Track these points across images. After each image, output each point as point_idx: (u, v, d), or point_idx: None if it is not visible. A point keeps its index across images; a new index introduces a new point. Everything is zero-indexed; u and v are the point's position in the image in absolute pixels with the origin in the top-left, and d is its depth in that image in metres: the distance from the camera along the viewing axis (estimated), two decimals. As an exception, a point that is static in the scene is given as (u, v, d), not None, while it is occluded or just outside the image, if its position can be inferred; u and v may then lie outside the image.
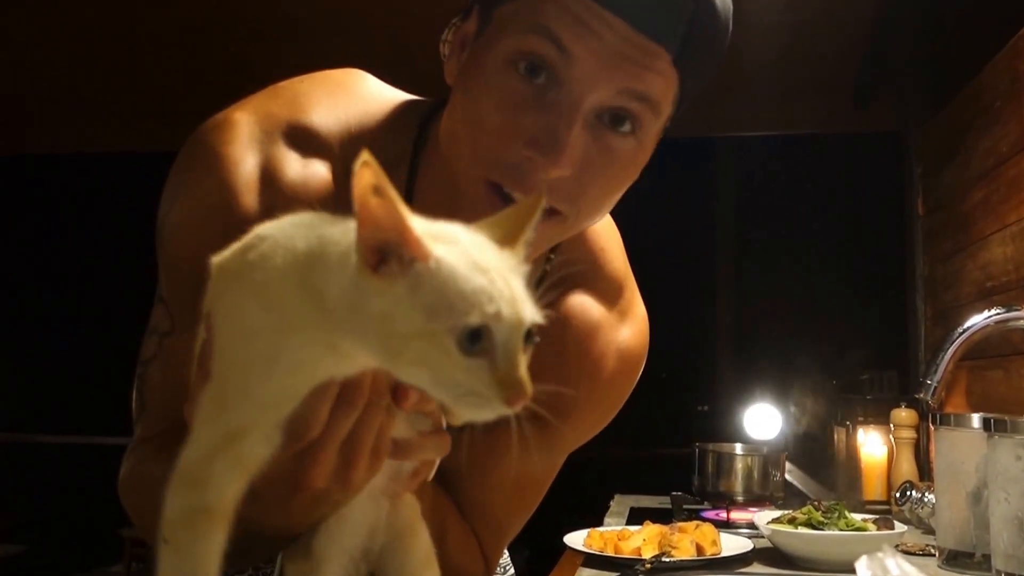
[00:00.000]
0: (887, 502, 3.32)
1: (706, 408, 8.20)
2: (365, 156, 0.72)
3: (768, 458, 3.38)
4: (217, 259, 0.89)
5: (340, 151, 1.21)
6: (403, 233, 0.75)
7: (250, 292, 0.84)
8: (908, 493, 2.90)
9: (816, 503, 2.49)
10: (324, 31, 4.25)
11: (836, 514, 2.38)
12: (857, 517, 2.41)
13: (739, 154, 8.00)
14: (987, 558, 2.01)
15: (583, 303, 1.35)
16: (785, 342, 7.00)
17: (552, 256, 1.32)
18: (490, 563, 1.46)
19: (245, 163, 1.20)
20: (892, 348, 4.14)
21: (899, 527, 2.39)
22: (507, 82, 1.07)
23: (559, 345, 1.31)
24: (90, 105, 5.38)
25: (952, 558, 2.21)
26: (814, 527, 2.35)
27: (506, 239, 0.83)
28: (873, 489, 3.49)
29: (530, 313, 0.79)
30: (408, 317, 0.76)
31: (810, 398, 4.87)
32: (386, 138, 1.22)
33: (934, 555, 2.32)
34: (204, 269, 0.90)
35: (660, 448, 7.00)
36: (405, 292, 0.76)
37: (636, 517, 3.05)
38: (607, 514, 3.39)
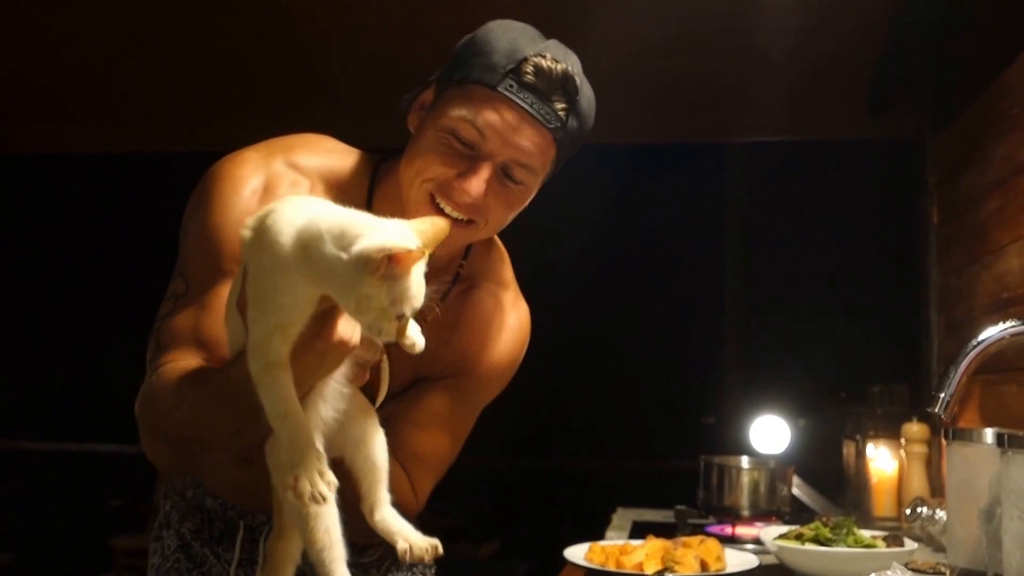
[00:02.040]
0: (897, 518, 3.32)
1: (712, 420, 8.20)
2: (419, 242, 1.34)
3: (775, 472, 3.38)
4: (246, 227, 1.43)
5: (318, 182, 1.85)
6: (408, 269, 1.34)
7: (264, 246, 1.38)
8: (919, 509, 2.89)
9: (824, 519, 2.48)
10: (328, 40, 4.26)
11: (844, 530, 2.37)
12: (866, 534, 2.40)
13: (750, 160, 8.01)
14: (1000, 577, 2.00)
15: (481, 295, 1.98)
16: (794, 353, 7.00)
17: (463, 263, 1.95)
18: (417, 493, 1.92)
19: (252, 181, 1.80)
20: (904, 360, 4.13)
21: (909, 544, 2.38)
22: (448, 140, 1.70)
23: (465, 322, 1.94)
24: (85, 105, 5.38)
25: (963, 577, 2.20)
26: (822, 543, 2.34)
27: (424, 243, 1.36)
28: (883, 505, 3.49)
29: (420, 302, 1.37)
30: (381, 299, 1.33)
31: (819, 411, 4.86)
32: (351, 174, 1.88)
33: (945, 574, 2.32)
34: (217, 252, 1.74)
35: (664, 460, 7.00)
36: (386, 289, 1.32)
37: (639, 531, 3.05)
38: (609, 527, 3.39)
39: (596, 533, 3.06)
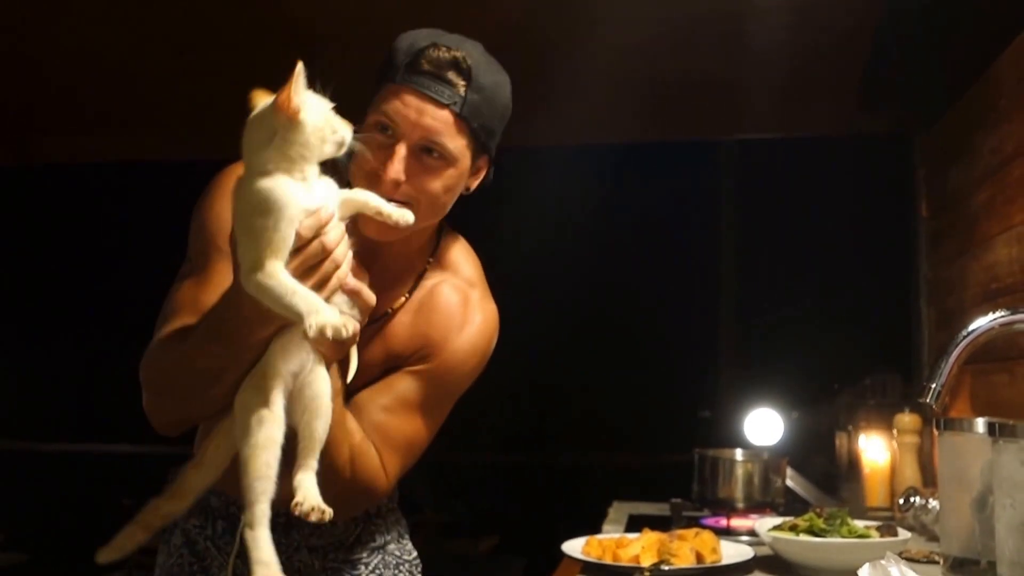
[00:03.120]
0: (890, 508, 3.32)
1: (707, 413, 8.21)
2: None
3: (769, 464, 3.37)
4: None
5: None
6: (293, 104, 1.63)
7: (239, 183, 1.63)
8: (912, 499, 2.89)
9: (818, 510, 2.48)
10: (335, 40, 4.24)
11: (838, 521, 2.37)
12: (860, 524, 2.40)
13: (741, 157, 8.01)
14: (992, 565, 1.99)
15: (449, 289, 2.09)
16: (787, 347, 7.01)
17: (431, 260, 2.11)
18: (388, 474, 2.00)
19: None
20: (895, 352, 4.13)
21: (903, 534, 2.37)
22: (371, 137, 1.86)
23: (433, 312, 2.06)
24: (91, 115, 5.37)
25: (957, 566, 2.19)
26: (816, 534, 2.34)
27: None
28: (876, 495, 3.49)
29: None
30: (307, 133, 1.64)
31: (812, 403, 4.86)
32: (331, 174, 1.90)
33: (938, 563, 2.31)
34: (215, 232, 1.92)
35: (659, 454, 6.99)
36: (303, 126, 1.63)
37: (635, 524, 3.04)
38: (605, 521, 3.39)
39: (593, 527, 3.06)
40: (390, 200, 1.81)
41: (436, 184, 1.92)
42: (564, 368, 8.53)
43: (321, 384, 1.73)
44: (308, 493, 1.64)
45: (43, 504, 8.33)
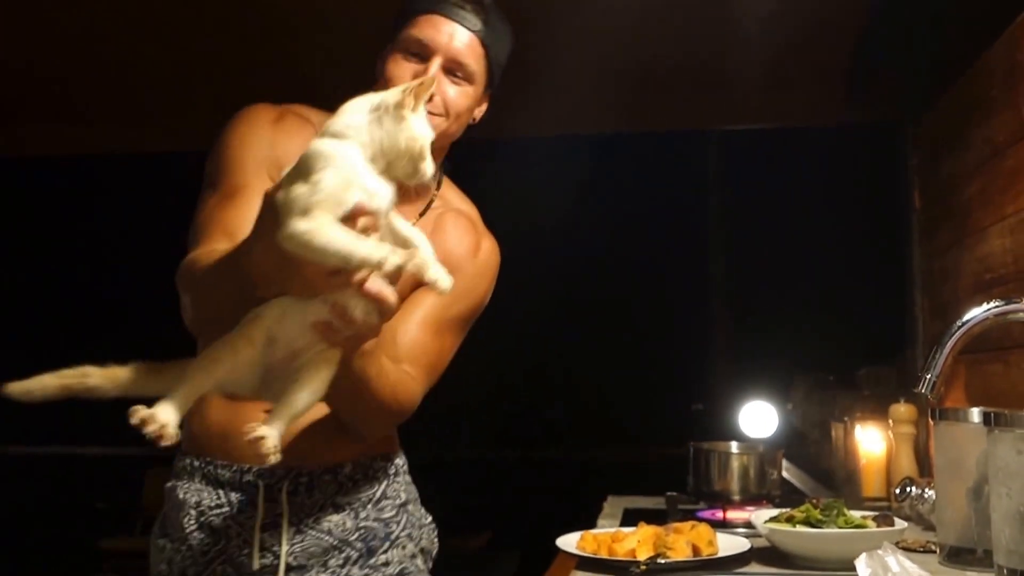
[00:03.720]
0: (886, 499, 3.34)
1: (701, 406, 8.22)
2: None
3: (764, 456, 3.39)
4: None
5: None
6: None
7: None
8: (908, 489, 2.91)
9: (814, 501, 2.50)
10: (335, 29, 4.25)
11: (835, 512, 2.39)
12: (856, 514, 2.42)
13: (731, 147, 8.02)
14: (989, 554, 2.02)
15: (454, 217, 2.27)
16: (781, 338, 7.03)
17: (436, 193, 2.27)
18: (419, 392, 2.08)
19: (265, 112, 2.17)
20: (890, 343, 4.15)
21: (899, 524, 2.40)
22: (402, 57, 2.12)
23: (440, 235, 2.18)
24: (89, 106, 5.36)
25: (953, 554, 2.23)
26: (812, 525, 2.36)
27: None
28: (872, 486, 3.51)
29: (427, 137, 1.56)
30: (403, 134, 1.53)
31: (807, 394, 4.88)
32: None
33: (935, 552, 2.34)
34: (232, 157, 2.09)
35: (654, 448, 7.01)
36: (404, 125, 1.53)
37: (630, 518, 3.06)
38: (600, 516, 3.40)
39: (588, 521, 3.07)
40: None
41: (462, 101, 2.16)
42: (556, 362, 8.54)
43: (319, 362, 1.61)
44: (269, 433, 1.52)
45: (17, 507, 8.30)
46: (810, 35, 4.24)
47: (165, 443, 1.55)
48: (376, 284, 1.51)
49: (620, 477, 4.32)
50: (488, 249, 2.31)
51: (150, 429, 1.55)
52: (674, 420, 7.70)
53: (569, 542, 2.47)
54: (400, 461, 2.29)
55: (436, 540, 2.35)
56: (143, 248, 8.65)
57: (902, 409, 3.41)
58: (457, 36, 2.14)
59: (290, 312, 1.58)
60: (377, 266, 1.45)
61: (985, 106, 3.06)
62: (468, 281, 2.19)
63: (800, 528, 2.35)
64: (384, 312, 1.56)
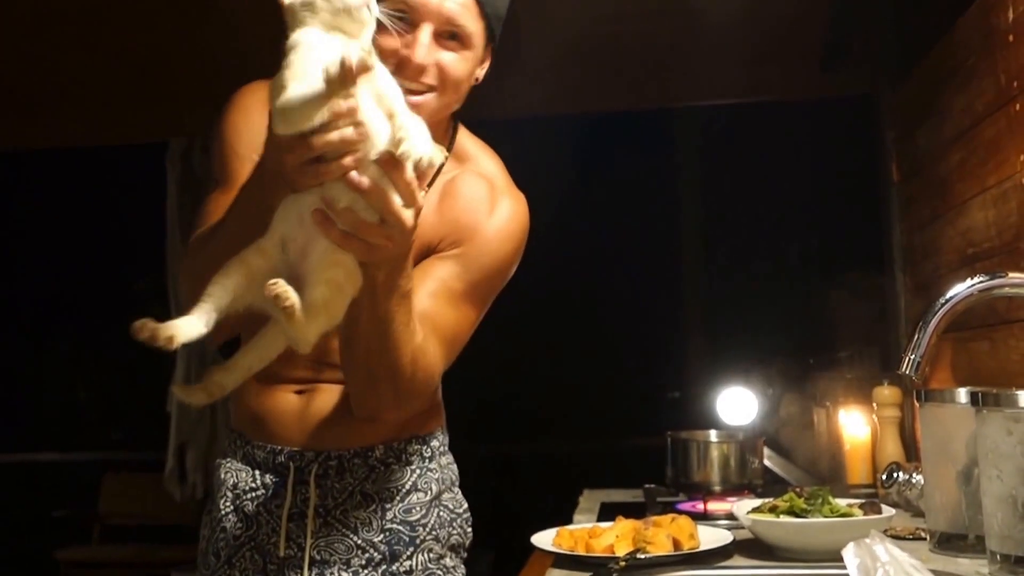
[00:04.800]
0: (873, 485, 3.34)
1: (677, 394, 8.23)
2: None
3: (745, 444, 3.39)
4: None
5: None
6: None
7: None
8: (895, 475, 2.91)
9: (798, 489, 2.49)
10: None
11: (820, 500, 2.38)
12: (842, 502, 2.41)
13: (701, 124, 8.02)
14: (981, 540, 2.02)
15: (472, 177, 2.17)
16: (758, 321, 7.03)
17: (447, 154, 2.07)
18: (440, 366, 2.07)
19: (260, 92, 2.00)
20: (871, 323, 4.16)
21: (887, 511, 2.39)
22: (390, 23, 1.77)
23: (458, 197, 2.13)
24: (38, 100, 5.32)
25: (944, 541, 2.22)
26: (797, 515, 2.35)
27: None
28: (857, 472, 3.51)
29: None
30: None
31: (787, 379, 4.89)
32: None
33: (925, 539, 2.34)
34: (235, 143, 2.06)
35: (630, 439, 7.01)
36: None
37: (607, 513, 3.05)
38: (576, 511, 3.39)
39: (564, 517, 3.06)
40: (412, 87, 1.92)
41: (459, 68, 2.01)
42: (525, 353, 8.53)
43: (330, 261, 1.62)
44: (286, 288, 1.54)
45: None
46: (783, 10, 4.24)
47: (172, 347, 1.56)
48: (356, 175, 1.54)
49: (596, 470, 4.31)
50: (508, 209, 2.17)
51: (159, 342, 1.55)
52: (650, 409, 7.69)
53: (544, 539, 2.46)
54: (437, 443, 2.28)
55: (469, 530, 2.36)
56: (82, 253, 8.62)
57: (886, 392, 3.42)
58: (451, 6, 1.97)
59: (291, 207, 1.62)
60: (343, 83, 1.45)
61: (962, 74, 3.06)
62: (484, 246, 2.11)
63: (784, 518, 2.35)
64: (379, 209, 1.58)
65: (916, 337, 2.13)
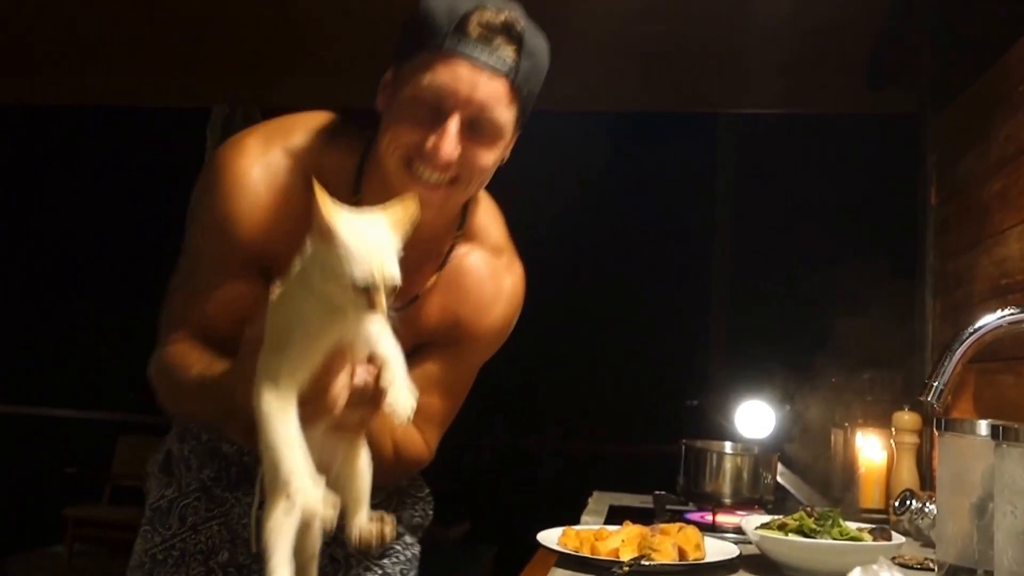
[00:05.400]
0: (885, 511, 3.33)
1: (695, 403, 8.21)
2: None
3: (759, 459, 3.38)
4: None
5: (313, 169, 1.88)
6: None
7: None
8: (908, 502, 2.90)
9: (809, 509, 2.48)
10: None
11: (830, 521, 2.38)
12: (852, 526, 2.40)
13: (741, 133, 7.99)
14: (990, 575, 2.00)
15: (477, 262, 2.14)
16: (783, 335, 7.00)
17: (458, 232, 2.11)
18: (430, 447, 2.19)
19: (254, 173, 1.97)
20: (897, 346, 4.13)
21: (897, 538, 2.38)
22: (413, 108, 1.84)
23: (462, 290, 2.11)
24: (58, 56, 5.34)
25: (952, 574, 2.20)
26: (806, 534, 2.34)
27: (394, 225, 1.55)
28: (871, 496, 3.49)
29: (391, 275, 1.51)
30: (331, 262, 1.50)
31: (807, 396, 4.86)
32: (343, 154, 2.02)
33: (933, 570, 2.32)
34: (222, 243, 1.95)
35: (644, 444, 7.00)
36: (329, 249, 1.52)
37: (615, 516, 3.05)
38: (584, 512, 3.39)
39: (571, 517, 3.06)
40: (434, 176, 1.87)
41: (487, 158, 1.92)
42: (546, 350, 8.52)
43: (354, 436, 1.78)
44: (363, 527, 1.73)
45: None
46: (831, 22, 4.23)
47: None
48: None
49: (608, 472, 4.31)
50: (507, 298, 2.18)
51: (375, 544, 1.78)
52: (666, 415, 7.68)
53: (550, 537, 2.46)
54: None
55: (431, 512, 2.48)
56: (101, 205, 8.65)
57: (906, 417, 3.40)
58: (482, 86, 1.84)
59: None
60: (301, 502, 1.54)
61: (1009, 102, 3.04)
62: (480, 343, 2.17)
63: (792, 537, 2.34)
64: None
65: (941, 364, 2.12)
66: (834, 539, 2.32)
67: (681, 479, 3.44)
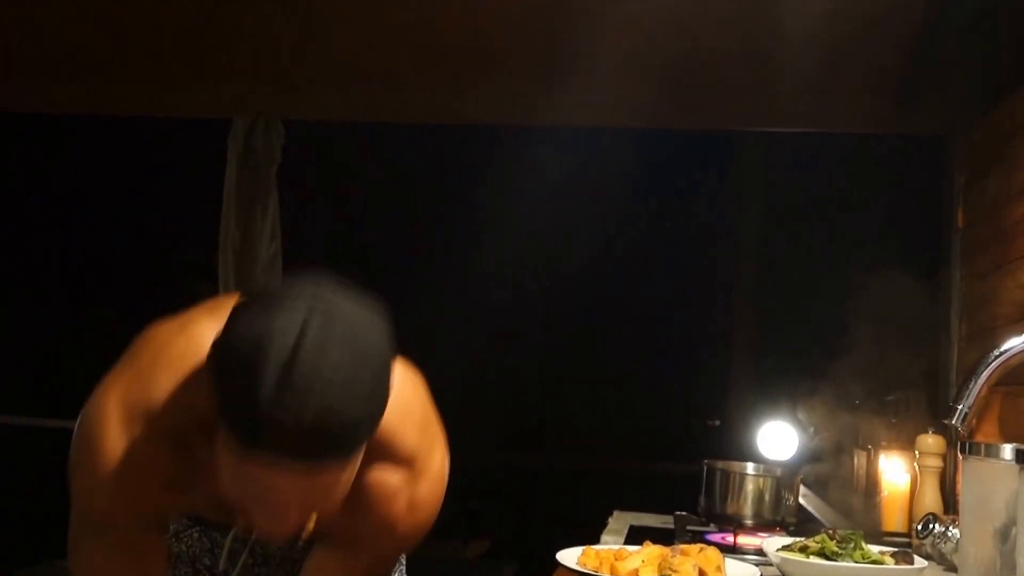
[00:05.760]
0: (908, 534, 3.32)
1: (717, 423, 8.20)
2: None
3: (782, 480, 3.37)
4: None
5: (174, 438, 1.84)
6: None
7: None
8: (931, 526, 2.89)
9: (831, 532, 2.48)
10: None
11: (852, 545, 2.37)
12: (874, 549, 2.40)
13: (765, 151, 7.99)
14: (1013, 601, 2.00)
15: (381, 476, 1.91)
16: (806, 356, 6.99)
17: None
18: None
19: (118, 448, 1.85)
20: (922, 368, 4.12)
21: (919, 562, 2.38)
22: (241, 487, 1.68)
23: (366, 515, 1.93)
24: (66, 64, 5.38)
25: (974, 599, 2.20)
26: (827, 557, 2.34)
27: None
28: (893, 520, 3.48)
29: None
30: None
31: (830, 418, 4.85)
32: (204, 417, 1.73)
33: (955, 594, 2.32)
34: (91, 510, 1.93)
35: (665, 463, 7.00)
36: None
37: (635, 536, 3.04)
38: (604, 531, 3.39)
39: (591, 536, 3.06)
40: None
41: (330, 506, 1.76)
42: (567, 367, 8.52)
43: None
44: None
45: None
46: (858, 40, 4.23)
47: None
48: None
49: (628, 491, 4.29)
50: (425, 494, 2.00)
51: None
52: (689, 435, 7.68)
53: (570, 557, 2.46)
54: None
55: None
56: (107, 214, 8.68)
57: (930, 440, 3.39)
58: (301, 483, 1.65)
59: None
60: None
61: (1039, 124, 3.04)
62: (396, 543, 2.10)
63: (814, 559, 2.34)
64: None
65: (966, 388, 2.12)
66: (856, 562, 2.32)
67: (702, 500, 3.43)
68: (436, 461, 2.04)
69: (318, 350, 1.57)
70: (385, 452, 1.89)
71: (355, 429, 1.64)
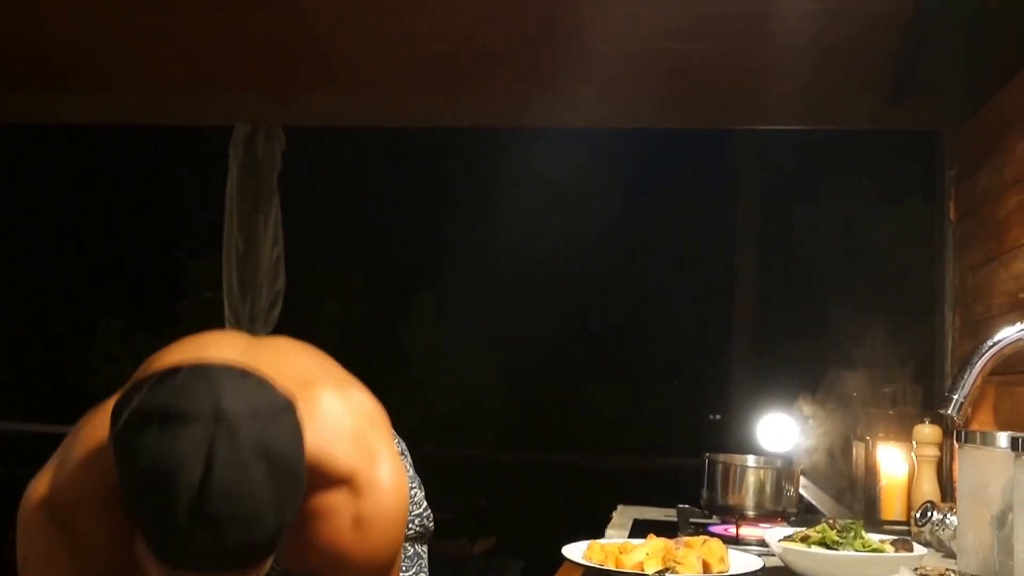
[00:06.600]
0: (906, 523, 3.33)
1: (718, 417, 8.22)
2: None
3: (782, 472, 3.38)
4: None
5: (94, 516, 1.76)
6: None
7: None
8: (929, 514, 2.90)
9: (831, 521, 2.49)
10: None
11: (852, 533, 2.39)
12: (874, 538, 2.41)
13: (763, 149, 8.01)
14: (1010, 585, 2.02)
15: (323, 501, 1.83)
16: (804, 349, 7.01)
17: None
18: None
19: (51, 549, 1.78)
20: (917, 360, 4.14)
21: (918, 550, 2.39)
22: None
23: (311, 535, 1.84)
24: (77, 74, 5.39)
25: (973, 584, 2.22)
26: (828, 546, 2.35)
27: None
28: (892, 508, 3.50)
29: None
30: None
31: (829, 410, 4.87)
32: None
33: (954, 581, 2.33)
34: None
35: (667, 457, 7.01)
36: None
37: (640, 530, 3.05)
38: (609, 525, 3.40)
39: (596, 531, 3.07)
40: None
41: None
42: (570, 365, 8.54)
43: None
44: None
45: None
46: (851, 38, 4.24)
47: None
48: None
49: (631, 486, 4.32)
50: (372, 510, 1.89)
51: None
52: (690, 430, 7.70)
53: (575, 551, 2.47)
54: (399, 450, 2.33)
55: (431, 524, 2.50)
56: (127, 217, 8.70)
57: (927, 430, 3.40)
58: None
59: None
60: None
61: (1027, 118, 3.05)
62: (361, 566, 1.91)
63: (815, 549, 2.35)
64: None
65: (961, 378, 2.14)
66: (856, 551, 2.33)
67: (704, 492, 3.44)
68: (381, 474, 1.91)
69: (228, 474, 1.50)
70: (318, 478, 1.80)
71: (278, 532, 1.57)
